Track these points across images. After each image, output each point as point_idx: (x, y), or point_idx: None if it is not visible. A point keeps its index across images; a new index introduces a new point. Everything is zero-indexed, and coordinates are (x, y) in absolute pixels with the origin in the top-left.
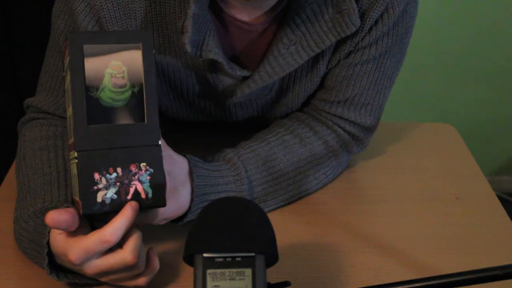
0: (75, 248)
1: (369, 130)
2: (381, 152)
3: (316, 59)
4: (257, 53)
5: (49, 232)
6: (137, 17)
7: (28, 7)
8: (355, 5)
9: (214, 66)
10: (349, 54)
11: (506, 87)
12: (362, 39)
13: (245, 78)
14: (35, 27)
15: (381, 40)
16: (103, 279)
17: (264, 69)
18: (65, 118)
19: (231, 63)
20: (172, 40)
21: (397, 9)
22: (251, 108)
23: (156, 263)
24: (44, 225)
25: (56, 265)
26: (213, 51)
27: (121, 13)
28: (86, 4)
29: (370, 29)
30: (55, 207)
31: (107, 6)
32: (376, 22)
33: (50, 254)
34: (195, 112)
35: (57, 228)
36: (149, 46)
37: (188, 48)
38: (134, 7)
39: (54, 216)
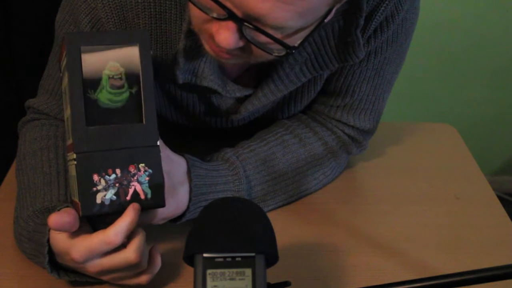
0: (78, 247)
1: (368, 133)
2: (381, 152)
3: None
4: (261, 71)
5: (49, 231)
6: None
7: (29, 8)
8: (360, 38)
9: (212, 89)
10: None
11: (506, 87)
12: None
13: (247, 95)
14: (35, 28)
15: (380, 47)
16: (105, 278)
17: (268, 87)
18: None
19: (229, 85)
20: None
21: (396, 18)
22: (253, 117)
23: (158, 261)
24: (44, 224)
25: (56, 264)
26: (208, 78)
27: (126, 27)
28: (92, 16)
29: (369, 38)
30: (55, 206)
31: (113, 20)
32: (374, 31)
33: (50, 252)
34: (196, 124)
35: (60, 230)
36: (146, 46)
37: (179, 80)
38: (139, 22)
39: (57, 219)
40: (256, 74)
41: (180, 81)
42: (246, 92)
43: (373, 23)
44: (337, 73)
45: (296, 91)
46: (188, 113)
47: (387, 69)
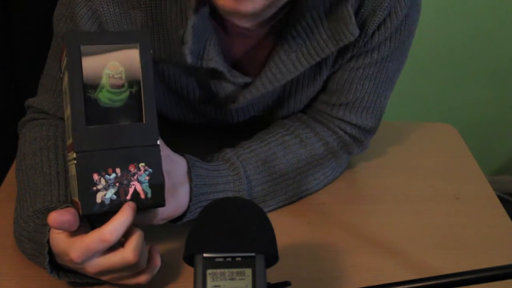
0: (76, 247)
1: (370, 132)
2: (381, 152)
3: (318, 65)
4: (259, 59)
5: (49, 231)
6: (138, 23)
7: (29, 8)
8: (352, 13)
9: (215, 73)
10: (351, 58)
11: (506, 87)
12: (365, 44)
13: (246, 84)
14: (35, 28)
15: (384, 44)
16: (104, 278)
17: (266, 75)
18: None
19: (232, 70)
20: (174, 47)
21: (399, 13)
22: (253, 111)
23: (157, 261)
24: (44, 225)
25: (56, 265)
26: (214, 60)
27: (122, 18)
28: (88, 8)
29: (373, 34)
30: (55, 207)
31: (109, 12)
32: (378, 27)
33: (50, 253)
34: (196, 116)
35: (60, 229)
36: (146, 46)
37: (189, 59)
38: (136, 13)
39: (57, 217)
40: (255, 62)
41: (189, 60)
42: (247, 79)
43: (377, 18)
44: (340, 70)
45: (295, 87)
46: (185, 101)
47: (390, 66)
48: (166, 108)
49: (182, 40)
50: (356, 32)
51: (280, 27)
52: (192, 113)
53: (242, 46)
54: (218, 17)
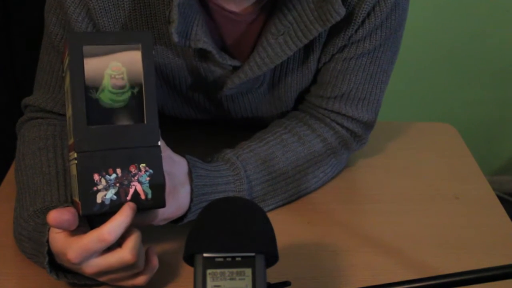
0: (74, 247)
1: (368, 125)
2: (381, 152)
3: (307, 51)
4: (247, 43)
5: (48, 230)
6: (125, 8)
7: (29, 7)
8: None
9: (204, 56)
10: (343, 48)
11: (506, 87)
12: (356, 32)
13: (235, 69)
14: (35, 27)
15: (375, 33)
16: (102, 279)
17: (254, 59)
18: (64, 115)
19: (221, 52)
20: (162, 31)
21: (388, 1)
22: (243, 102)
23: (155, 262)
24: (44, 224)
25: (55, 264)
26: (202, 40)
27: (109, 4)
28: None
29: (363, 22)
30: (55, 207)
31: None
32: (368, 15)
33: (50, 253)
34: (189, 107)
35: (59, 228)
36: (149, 47)
37: (175, 37)
38: None
39: (56, 215)
40: (243, 48)
41: (176, 39)
42: (236, 62)
43: (366, 5)
44: (333, 62)
45: (285, 73)
46: (177, 90)
47: (383, 57)
48: (159, 99)
49: (168, 20)
50: (343, 11)
51: (268, 11)
52: (185, 104)
53: (229, 31)
54: (204, 1)
